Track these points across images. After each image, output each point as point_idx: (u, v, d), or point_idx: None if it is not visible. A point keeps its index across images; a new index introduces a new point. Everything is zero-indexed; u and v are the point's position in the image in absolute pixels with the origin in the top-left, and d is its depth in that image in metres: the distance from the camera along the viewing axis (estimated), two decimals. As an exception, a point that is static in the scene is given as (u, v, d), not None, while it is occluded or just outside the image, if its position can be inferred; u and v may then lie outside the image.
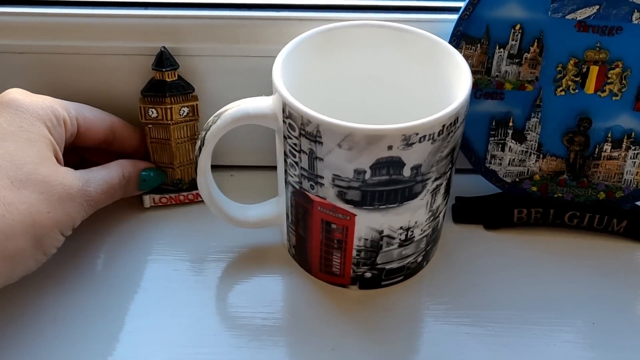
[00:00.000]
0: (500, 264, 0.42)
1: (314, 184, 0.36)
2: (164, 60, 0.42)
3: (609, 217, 0.43)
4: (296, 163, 0.36)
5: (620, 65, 0.40)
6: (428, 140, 0.33)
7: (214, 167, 0.47)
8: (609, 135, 0.42)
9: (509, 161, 0.43)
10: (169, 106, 0.42)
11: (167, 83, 0.42)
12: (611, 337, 0.38)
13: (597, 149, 0.42)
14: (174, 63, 0.42)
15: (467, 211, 0.45)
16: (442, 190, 0.38)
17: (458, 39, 0.40)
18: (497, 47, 0.40)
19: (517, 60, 0.41)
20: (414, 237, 0.38)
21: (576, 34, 0.40)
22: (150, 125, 0.43)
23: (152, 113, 0.42)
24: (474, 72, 0.41)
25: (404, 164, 0.34)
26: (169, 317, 0.39)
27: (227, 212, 0.40)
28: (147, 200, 0.45)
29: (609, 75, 0.41)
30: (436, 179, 0.36)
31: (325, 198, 0.36)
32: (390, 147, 0.33)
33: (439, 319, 0.39)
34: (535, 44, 0.40)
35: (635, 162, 0.42)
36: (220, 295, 0.40)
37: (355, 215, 0.36)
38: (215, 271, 0.42)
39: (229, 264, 0.42)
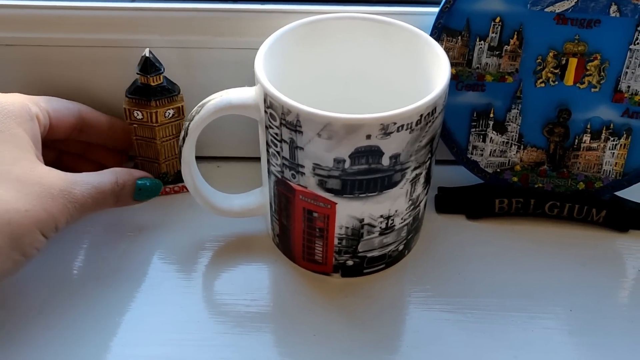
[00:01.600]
0: (482, 253, 0.43)
1: (295, 173, 0.37)
2: (148, 66, 0.41)
3: (589, 207, 0.44)
4: (278, 152, 0.37)
5: (599, 57, 0.41)
6: (406, 129, 0.34)
7: (201, 159, 0.47)
8: (588, 126, 0.43)
9: (490, 152, 0.44)
10: (154, 110, 0.42)
11: (152, 87, 0.42)
12: (589, 324, 0.39)
13: (576, 140, 0.43)
14: (159, 67, 0.42)
15: (449, 201, 0.45)
16: (422, 179, 0.38)
17: (439, 31, 0.41)
18: (478, 40, 0.41)
19: (497, 53, 0.41)
20: (394, 225, 0.39)
21: (555, 27, 0.40)
22: (135, 125, 0.43)
23: (138, 115, 0.42)
24: (455, 64, 0.42)
25: (383, 153, 0.35)
26: (155, 304, 0.39)
27: (211, 202, 0.41)
28: (134, 191, 0.45)
29: (588, 68, 0.41)
30: (415, 168, 0.37)
31: (306, 187, 0.37)
32: (368, 137, 0.34)
33: (420, 306, 0.40)
34: (515, 36, 0.41)
35: (614, 153, 0.43)
36: (205, 283, 0.41)
37: (336, 203, 0.37)
38: (200, 260, 0.42)
39: (215, 253, 0.43)
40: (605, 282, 0.42)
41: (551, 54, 0.41)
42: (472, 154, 0.44)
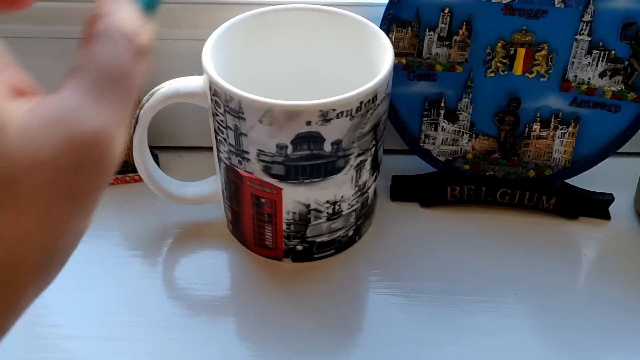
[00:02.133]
0: (433, 240, 0.44)
1: (241, 160, 0.37)
2: None
3: (539, 194, 0.45)
4: (224, 139, 0.38)
5: (546, 47, 0.42)
6: (346, 116, 0.35)
7: (163, 148, 0.49)
8: (538, 115, 0.44)
9: (442, 140, 0.45)
10: None
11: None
12: (532, 307, 0.40)
13: (527, 129, 0.44)
14: None
15: (403, 189, 0.46)
16: (367, 166, 0.39)
17: (389, 22, 0.42)
18: (428, 30, 0.42)
19: (447, 43, 0.42)
20: (341, 211, 0.40)
21: (503, 17, 0.41)
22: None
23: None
24: (405, 55, 0.43)
25: (324, 139, 0.35)
26: (108, 289, 0.41)
27: (165, 189, 0.42)
28: (95, 178, 0.46)
29: (536, 57, 0.42)
30: (359, 155, 0.38)
31: (252, 173, 0.38)
32: (308, 123, 0.34)
33: (369, 290, 0.41)
34: (464, 26, 0.42)
35: (562, 141, 0.44)
36: (159, 268, 0.42)
37: (282, 189, 0.38)
38: (157, 246, 0.43)
39: (171, 240, 0.44)
40: (551, 267, 0.42)
41: (500, 44, 0.42)
42: (424, 142, 0.45)
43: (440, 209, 0.46)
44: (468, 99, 0.43)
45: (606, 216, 0.45)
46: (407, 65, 0.43)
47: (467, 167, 0.45)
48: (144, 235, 0.44)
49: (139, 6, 0.22)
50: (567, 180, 0.45)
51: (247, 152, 0.37)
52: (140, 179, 0.46)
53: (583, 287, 0.42)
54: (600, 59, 0.41)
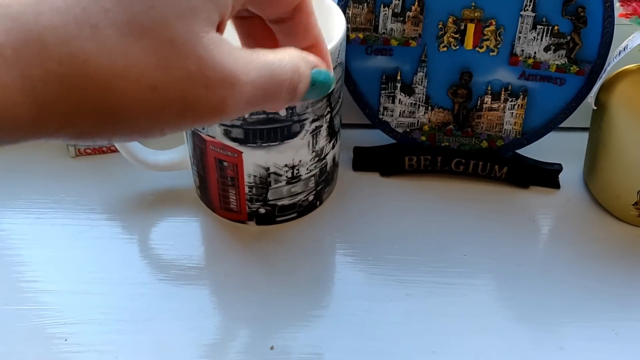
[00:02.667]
0: (392, 207, 0.47)
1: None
2: None
3: (492, 164, 0.47)
4: None
5: (494, 23, 0.44)
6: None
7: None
8: (489, 88, 0.46)
9: (400, 113, 0.47)
10: None
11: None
12: (479, 268, 0.43)
13: (479, 101, 0.46)
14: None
15: (364, 160, 0.49)
16: (323, 132, 0.42)
17: (346, -2, 0.44)
18: (382, 6, 0.44)
19: (400, 19, 0.45)
20: (300, 175, 0.42)
21: (453, -6, 0.44)
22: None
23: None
24: (362, 30, 0.45)
25: None
26: (82, 248, 0.43)
27: (136, 156, 0.44)
28: (72, 150, 0.49)
29: (485, 33, 0.45)
30: (314, 121, 0.40)
31: (214, 137, 0.40)
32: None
33: (328, 251, 0.44)
34: (416, 3, 0.44)
35: (513, 112, 0.46)
36: (131, 230, 0.45)
37: (242, 152, 0.40)
38: (130, 211, 0.46)
39: (144, 205, 0.46)
40: (500, 231, 0.45)
41: (451, 20, 0.44)
42: (383, 115, 0.48)
43: (399, 178, 0.48)
44: (423, 72, 0.46)
45: (556, 185, 0.48)
46: (364, 40, 0.45)
47: (423, 138, 0.48)
48: (119, 201, 0.47)
49: (312, 80, 0.26)
50: (518, 151, 0.48)
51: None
52: (116, 149, 0.49)
53: (531, 250, 0.44)
54: (545, 34, 0.44)
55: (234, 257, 0.43)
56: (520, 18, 0.43)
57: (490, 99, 0.46)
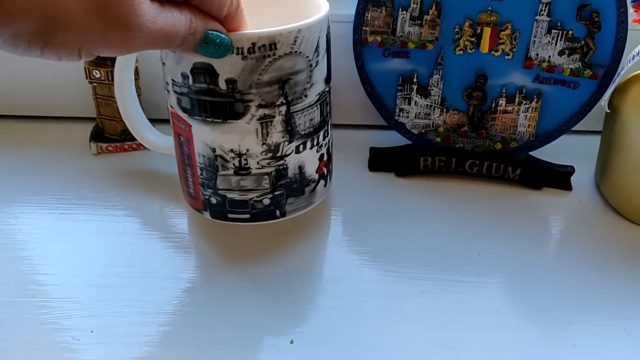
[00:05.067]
0: (406, 206, 0.48)
1: (167, 93, 0.41)
2: None
3: (505, 166, 0.48)
4: (162, 78, 0.41)
5: (510, 27, 0.45)
6: (237, 53, 0.37)
7: (161, 121, 0.53)
8: (504, 91, 0.47)
9: (416, 114, 0.48)
10: (111, 69, 0.47)
11: (109, 47, 0.47)
12: (493, 266, 0.43)
13: (493, 104, 0.47)
14: None
15: (380, 160, 0.50)
16: (277, 126, 0.40)
17: (365, 1, 0.45)
18: (400, 10, 0.45)
19: (418, 22, 0.46)
20: (249, 167, 0.41)
21: (470, -1, 0.45)
22: (95, 84, 0.48)
23: (96, 74, 0.48)
24: (380, 33, 0.46)
25: (218, 74, 0.38)
26: (106, 243, 0.44)
27: (139, 131, 0.46)
28: (94, 147, 0.50)
29: (501, 36, 0.46)
30: (262, 107, 0.39)
31: (172, 107, 0.41)
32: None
33: (344, 249, 0.45)
34: (434, 7, 0.45)
35: (527, 115, 0.47)
36: (152, 226, 0.46)
37: (191, 126, 0.40)
38: (151, 207, 0.47)
39: (163, 202, 0.48)
40: (513, 231, 0.46)
41: (467, 24, 0.45)
42: (399, 116, 0.49)
43: (414, 179, 0.49)
44: (439, 75, 0.47)
45: (568, 187, 0.49)
46: (382, 43, 0.46)
47: (438, 139, 0.49)
48: (139, 197, 0.48)
49: (206, 39, 0.35)
50: (531, 153, 0.49)
51: (167, 84, 0.40)
52: (137, 148, 0.51)
53: (543, 250, 0.45)
54: (559, 38, 0.45)
55: (243, 256, 0.44)
56: (535, 22, 0.44)
57: (504, 102, 0.47)
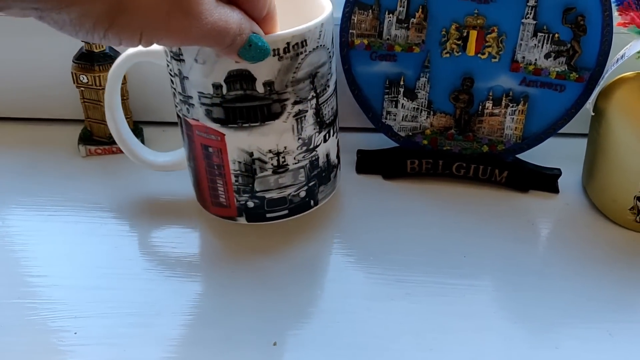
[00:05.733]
0: (393, 209, 0.48)
1: (188, 107, 0.41)
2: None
3: (492, 168, 0.48)
4: (175, 89, 0.41)
5: (496, 30, 0.45)
6: (274, 55, 0.38)
7: (148, 123, 0.53)
8: (490, 94, 0.47)
9: (403, 117, 0.48)
10: (98, 74, 0.48)
11: (95, 54, 0.47)
12: (480, 268, 0.43)
13: (480, 107, 0.48)
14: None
15: (367, 163, 0.50)
16: (309, 119, 0.41)
17: (351, 4, 0.45)
18: (387, 13, 0.46)
19: (405, 25, 0.46)
20: (287, 164, 0.42)
21: (457, 2, 0.45)
22: (82, 88, 0.48)
23: (83, 79, 0.48)
24: (367, 36, 0.46)
25: (255, 79, 0.38)
26: (93, 244, 0.45)
27: (136, 153, 0.45)
28: (83, 150, 0.50)
29: (487, 39, 0.46)
30: (297, 103, 0.40)
31: (198, 120, 0.41)
32: (236, 60, 0.37)
33: (329, 251, 0.45)
34: (420, 10, 0.45)
35: (513, 118, 0.47)
36: (139, 228, 0.46)
37: (224, 134, 0.40)
38: (139, 210, 0.47)
39: (151, 204, 0.48)
40: (499, 234, 0.46)
41: (454, 27, 0.45)
42: (386, 119, 0.49)
43: (401, 181, 0.49)
44: (425, 78, 0.47)
45: (555, 190, 0.49)
46: (369, 46, 0.46)
47: (425, 142, 0.49)
48: (127, 200, 0.48)
49: (249, 41, 0.35)
50: (518, 156, 0.49)
51: (191, 97, 0.40)
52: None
53: (529, 253, 0.45)
54: (545, 41, 0.45)
55: (231, 256, 0.44)
56: (521, 25, 0.44)
57: (491, 105, 0.47)
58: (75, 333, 0.39)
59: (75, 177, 0.50)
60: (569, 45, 0.45)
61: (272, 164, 0.42)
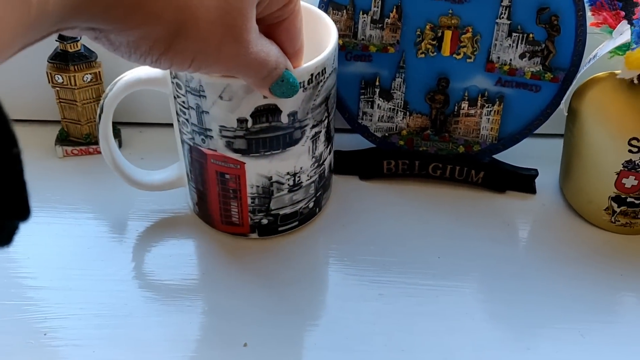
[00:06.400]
0: (369, 209, 0.48)
1: (204, 138, 0.40)
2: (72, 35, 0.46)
3: (468, 169, 0.48)
4: (187, 120, 0.40)
5: (471, 30, 0.45)
6: (300, 88, 0.38)
7: (125, 124, 0.52)
8: (466, 94, 0.47)
9: (379, 117, 0.48)
10: (73, 74, 0.47)
11: (70, 53, 0.47)
12: (454, 269, 0.43)
13: (456, 107, 0.47)
14: (75, 36, 0.47)
15: (344, 163, 0.50)
16: (322, 137, 0.42)
17: (326, 5, 0.45)
18: (361, 13, 0.45)
19: (379, 25, 0.46)
20: (301, 182, 0.43)
21: (431, 2, 0.45)
22: (58, 88, 0.48)
23: (58, 79, 0.47)
24: (342, 36, 0.46)
25: (281, 111, 0.39)
26: (67, 246, 0.44)
27: (130, 176, 0.44)
28: (60, 151, 0.50)
29: (462, 40, 0.45)
30: (314, 126, 0.41)
31: (216, 150, 0.40)
32: (264, 96, 0.37)
33: (304, 251, 0.45)
34: (395, 10, 0.45)
35: (489, 118, 0.47)
36: (114, 229, 0.46)
37: (245, 163, 0.40)
38: (114, 211, 0.47)
39: (128, 205, 0.47)
40: (475, 235, 0.46)
41: (428, 27, 0.45)
42: (362, 119, 0.49)
43: (378, 182, 0.49)
44: (401, 78, 0.47)
45: (532, 190, 0.48)
46: (344, 46, 0.46)
47: (402, 142, 0.49)
48: (103, 200, 0.48)
49: (282, 77, 0.35)
50: (495, 156, 0.49)
51: (210, 130, 0.39)
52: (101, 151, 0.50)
53: (504, 253, 0.45)
54: (520, 41, 0.45)
55: (203, 257, 0.44)
56: (496, 26, 0.44)
57: (467, 105, 0.47)
58: (45, 334, 0.39)
59: (51, 178, 0.49)
60: (543, 46, 0.44)
61: (288, 184, 0.42)
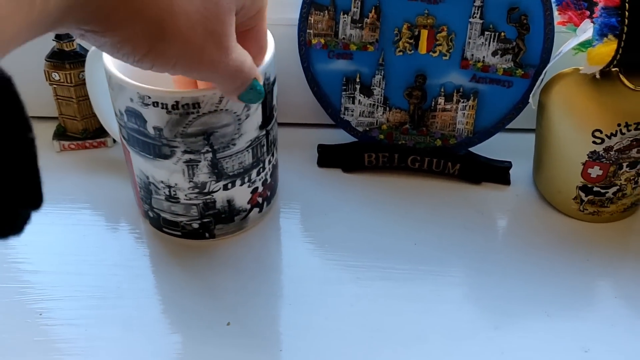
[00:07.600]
0: (351, 200, 0.50)
1: (117, 120, 0.44)
2: (62, 33, 0.49)
3: (445, 161, 0.51)
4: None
5: (446, 29, 0.48)
6: (162, 108, 0.39)
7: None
8: (442, 90, 0.49)
9: (360, 113, 0.51)
10: (69, 72, 0.50)
11: (66, 52, 0.50)
12: (429, 255, 0.46)
13: (433, 103, 0.50)
14: (71, 35, 0.49)
15: (328, 157, 0.52)
16: (204, 169, 0.42)
17: (308, 5, 0.48)
18: (342, 14, 0.48)
19: (359, 25, 0.48)
20: (178, 197, 0.44)
21: (408, 2, 0.47)
22: (55, 85, 0.51)
23: (55, 76, 0.50)
24: (323, 35, 0.49)
25: (146, 121, 0.40)
26: (63, 233, 0.47)
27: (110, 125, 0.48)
28: (57, 145, 0.52)
29: (438, 38, 0.48)
30: (187, 152, 0.41)
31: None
32: (131, 100, 0.39)
33: (287, 238, 0.47)
34: (373, 10, 0.48)
35: (464, 113, 0.50)
36: (108, 218, 0.48)
37: (129, 152, 0.43)
38: (108, 201, 0.49)
39: (121, 196, 0.50)
40: (451, 223, 0.48)
41: (405, 26, 0.48)
42: (344, 114, 0.51)
43: (360, 174, 0.52)
44: (380, 75, 0.49)
45: (506, 181, 0.51)
46: (326, 45, 0.49)
47: (382, 136, 0.51)
48: (98, 192, 0.50)
49: (251, 86, 0.36)
50: (470, 149, 0.51)
51: (116, 114, 0.43)
52: (97, 145, 0.53)
53: (477, 240, 0.47)
54: (492, 39, 0.47)
55: (189, 244, 0.46)
56: (469, 25, 0.47)
57: (443, 100, 0.50)
58: (41, 314, 0.41)
59: (49, 171, 0.51)
60: (514, 43, 0.47)
61: (164, 192, 0.44)
